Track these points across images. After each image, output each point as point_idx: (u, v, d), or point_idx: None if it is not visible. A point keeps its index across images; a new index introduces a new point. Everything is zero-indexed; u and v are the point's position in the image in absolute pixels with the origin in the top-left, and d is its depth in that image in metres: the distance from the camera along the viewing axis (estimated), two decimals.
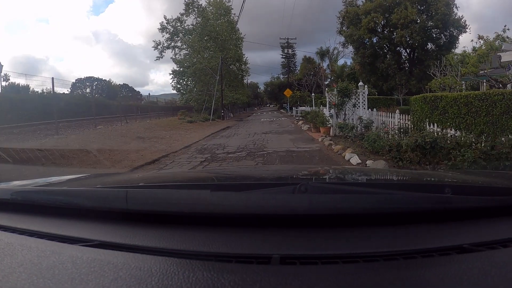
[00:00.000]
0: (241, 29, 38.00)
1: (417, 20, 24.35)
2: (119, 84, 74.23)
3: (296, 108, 31.96)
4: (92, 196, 0.88)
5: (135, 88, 77.12)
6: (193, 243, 0.66)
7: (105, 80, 71.47)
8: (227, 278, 0.50)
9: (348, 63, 43.37)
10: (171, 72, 32.53)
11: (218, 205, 0.75)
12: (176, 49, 32.43)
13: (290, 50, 46.61)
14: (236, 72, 39.28)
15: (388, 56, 26.84)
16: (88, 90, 65.25)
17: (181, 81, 32.58)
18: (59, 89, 17.48)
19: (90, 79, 71.93)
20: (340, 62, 45.02)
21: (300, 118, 23.11)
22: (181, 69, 32.04)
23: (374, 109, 11.11)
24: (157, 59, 32.79)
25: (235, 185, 1.18)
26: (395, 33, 25.14)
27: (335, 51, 44.48)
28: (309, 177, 1.51)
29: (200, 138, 13.71)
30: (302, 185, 0.79)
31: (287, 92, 36.77)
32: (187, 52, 32.69)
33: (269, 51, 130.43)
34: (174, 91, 35.00)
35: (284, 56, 55.52)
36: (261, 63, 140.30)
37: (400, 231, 0.72)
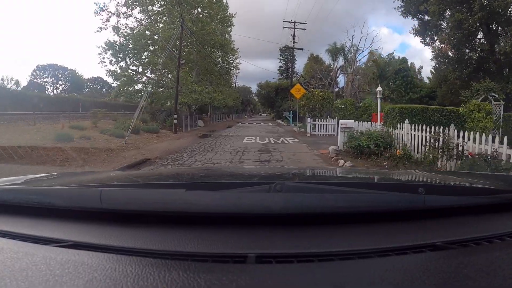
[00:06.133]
0: (236, 32, 25.81)
1: None
2: (89, 78, 65.15)
3: (315, 121, 17.14)
4: (65, 195, 0.85)
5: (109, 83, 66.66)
6: (168, 243, 0.65)
7: (70, 69, 61.38)
8: (203, 278, 0.50)
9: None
10: (101, 46, 20.04)
11: (193, 204, 0.74)
12: (130, 18, 20.20)
13: (296, 38, 33.81)
14: (219, 64, 27.05)
15: (501, 36, 14.20)
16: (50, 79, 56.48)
17: (119, 60, 20.05)
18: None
19: (53, 67, 60.60)
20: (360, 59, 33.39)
21: (347, 151, 8.58)
22: (125, 41, 19.73)
23: None
24: (98, 31, 20.06)
25: (210, 184, 1.17)
26: None
27: (353, 49, 32.88)
28: (284, 177, 1.46)
29: None
30: (277, 184, 0.79)
31: (297, 91, 20.94)
32: (146, 22, 20.41)
33: (265, 59, 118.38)
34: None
35: (284, 50, 43.43)
36: (255, 71, 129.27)
37: (375, 229, 0.72)
